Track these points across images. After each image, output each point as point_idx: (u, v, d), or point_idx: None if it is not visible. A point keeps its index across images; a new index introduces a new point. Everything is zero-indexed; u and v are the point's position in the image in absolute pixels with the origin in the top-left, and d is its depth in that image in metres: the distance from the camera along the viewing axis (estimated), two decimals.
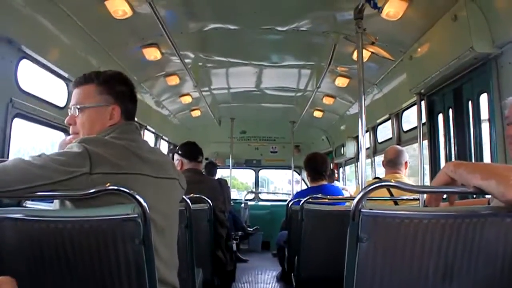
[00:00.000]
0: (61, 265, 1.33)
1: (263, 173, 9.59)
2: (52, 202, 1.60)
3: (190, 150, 3.73)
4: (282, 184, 13.56)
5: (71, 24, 3.11)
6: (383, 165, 3.67)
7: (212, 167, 7.18)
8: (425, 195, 2.57)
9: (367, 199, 1.26)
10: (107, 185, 1.33)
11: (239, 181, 12.87)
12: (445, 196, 1.36)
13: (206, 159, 8.18)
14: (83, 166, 1.39)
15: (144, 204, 1.33)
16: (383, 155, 3.76)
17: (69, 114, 1.72)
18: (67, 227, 1.31)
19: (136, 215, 1.31)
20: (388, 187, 2.98)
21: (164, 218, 1.61)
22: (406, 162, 3.63)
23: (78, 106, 1.68)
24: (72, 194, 1.37)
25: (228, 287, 4.51)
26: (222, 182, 4.01)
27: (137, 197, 1.32)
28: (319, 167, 3.98)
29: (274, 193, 12.12)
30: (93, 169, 1.39)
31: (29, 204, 2.60)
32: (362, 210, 1.23)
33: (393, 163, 3.56)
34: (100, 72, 1.73)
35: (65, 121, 1.75)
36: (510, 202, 1.05)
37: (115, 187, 1.33)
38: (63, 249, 1.31)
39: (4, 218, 1.31)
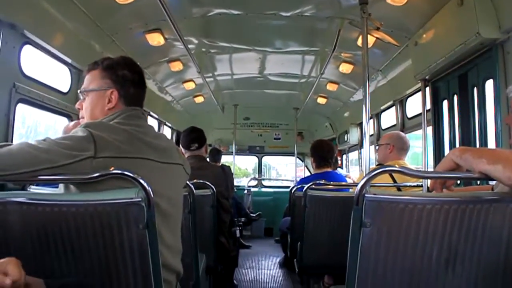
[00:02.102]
0: (65, 248, 1.34)
1: (264, 159, 9.59)
2: (57, 187, 1.61)
3: (184, 139, 3.70)
4: (284, 170, 13.55)
5: (74, 9, 3.09)
6: (390, 151, 3.56)
7: (216, 154, 7.19)
8: (428, 181, 2.58)
9: (370, 186, 1.26)
10: (111, 169, 1.34)
11: (237, 167, 12.59)
12: (459, 181, 1.36)
13: (210, 145, 8.20)
14: (88, 150, 1.39)
15: (148, 188, 1.33)
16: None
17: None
18: (71, 211, 1.32)
19: (140, 199, 1.32)
20: (391, 173, 2.98)
21: (168, 203, 1.62)
22: None
23: (80, 90, 1.73)
24: (76, 178, 1.38)
25: (231, 273, 4.55)
26: (226, 169, 4.00)
27: (141, 181, 1.33)
28: (325, 154, 4.00)
29: (277, 180, 12.12)
30: (97, 153, 1.40)
31: (33, 188, 2.62)
32: (366, 195, 1.23)
33: (405, 151, 3.54)
34: (108, 58, 1.75)
35: (76, 106, 1.80)
36: None
37: (119, 171, 1.33)
38: (67, 232, 1.32)
39: (9, 201, 1.32)
